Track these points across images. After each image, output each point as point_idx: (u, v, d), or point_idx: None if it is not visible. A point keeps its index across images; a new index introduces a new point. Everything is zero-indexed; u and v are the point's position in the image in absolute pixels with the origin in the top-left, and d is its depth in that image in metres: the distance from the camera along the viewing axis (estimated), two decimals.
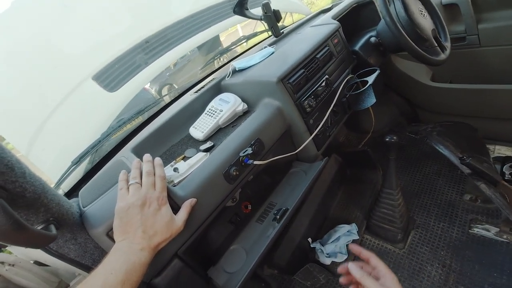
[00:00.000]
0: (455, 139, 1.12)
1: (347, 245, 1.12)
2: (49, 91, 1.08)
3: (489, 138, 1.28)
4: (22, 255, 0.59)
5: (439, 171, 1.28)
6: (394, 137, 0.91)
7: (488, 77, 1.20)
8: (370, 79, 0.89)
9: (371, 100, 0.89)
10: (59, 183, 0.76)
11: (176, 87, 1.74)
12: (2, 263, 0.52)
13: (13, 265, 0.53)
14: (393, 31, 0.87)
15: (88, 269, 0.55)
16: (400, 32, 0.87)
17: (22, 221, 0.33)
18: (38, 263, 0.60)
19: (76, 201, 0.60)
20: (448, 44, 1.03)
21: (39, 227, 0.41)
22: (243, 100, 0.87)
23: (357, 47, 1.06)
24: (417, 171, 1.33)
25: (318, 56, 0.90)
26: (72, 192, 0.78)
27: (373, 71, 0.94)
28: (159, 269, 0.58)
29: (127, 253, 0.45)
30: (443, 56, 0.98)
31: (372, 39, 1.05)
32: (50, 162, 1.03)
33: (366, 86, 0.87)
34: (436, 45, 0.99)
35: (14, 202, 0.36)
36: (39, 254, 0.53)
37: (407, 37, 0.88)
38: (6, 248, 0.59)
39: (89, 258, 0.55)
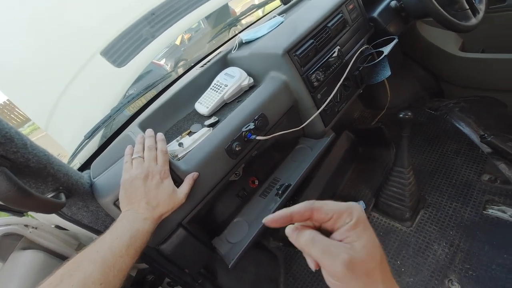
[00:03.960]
0: (480, 116, 1.04)
1: None
2: (62, 66, 1.11)
3: None
4: (44, 219, 0.65)
5: (458, 150, 1.20)
6: (409, 113, 0.86)
7: None
8: (386, 49, 0.81)
9: (386, 73, 0.82)
10: (73, 156, 0.81)
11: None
12: (26, 225, 0.58)
13: (36, 228, 0.59)
14: None
15: (100, 234, 0.60)
16: None
17: (27, 188, 0.36)
18: (58, 227, 0.66)
19: (88, 173, 0.64)
20: (482, 7, 0.91)
21: (50, 195, 0.45)
22: (250, 74, 0.84)
23: (375, 14, 0.97)
24: (434, 149, 1.27)
25: (329, 25, 0.83)
26: (88, 165, 0.83)
27: (391, 40, 0.86)
28: (165, 236, 0.61)
29: (132, 221, 0.49)
30: (473, 21, 0.87)
31: (393, 3, 0.95)
32: (68, 137, 1.08)
33: (381, 57, 0.81)
34: (468, 7, 0.87)
35: (20, 171, 0.39)
36: (59, 220, 0.58)
37: None
38: (29, 213, 0.65)
39: (101, 224, 0.60)
